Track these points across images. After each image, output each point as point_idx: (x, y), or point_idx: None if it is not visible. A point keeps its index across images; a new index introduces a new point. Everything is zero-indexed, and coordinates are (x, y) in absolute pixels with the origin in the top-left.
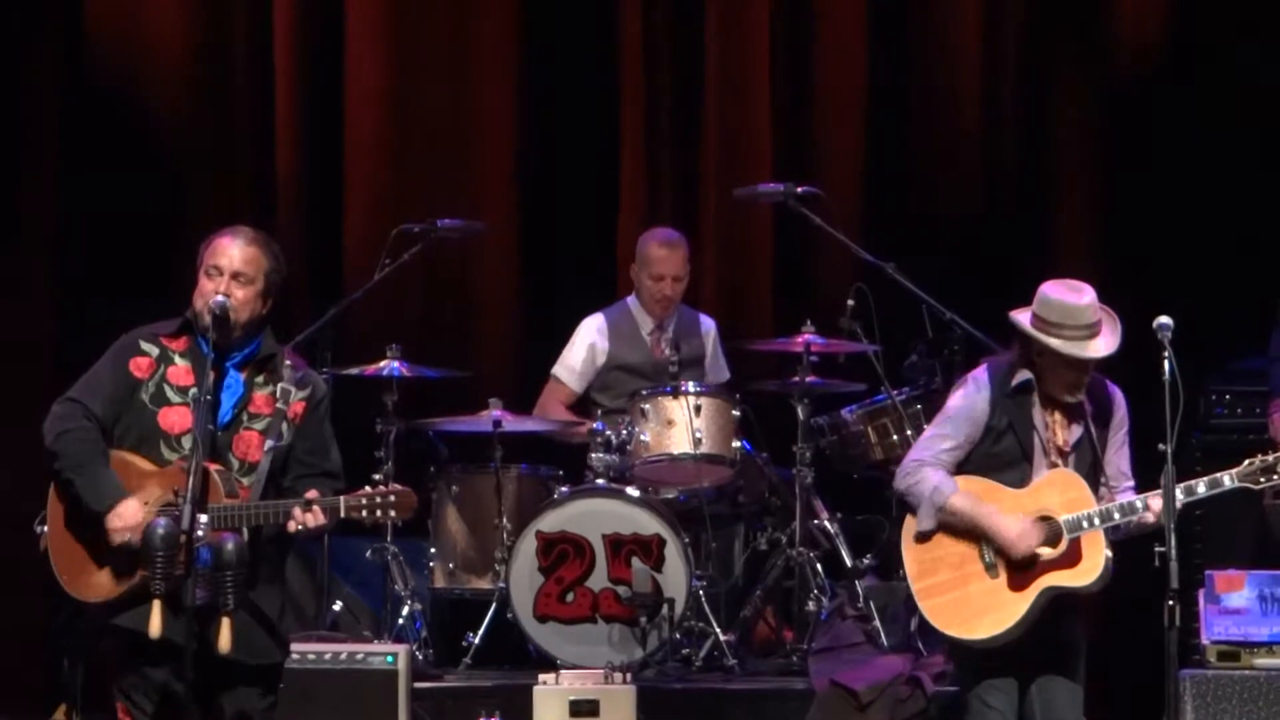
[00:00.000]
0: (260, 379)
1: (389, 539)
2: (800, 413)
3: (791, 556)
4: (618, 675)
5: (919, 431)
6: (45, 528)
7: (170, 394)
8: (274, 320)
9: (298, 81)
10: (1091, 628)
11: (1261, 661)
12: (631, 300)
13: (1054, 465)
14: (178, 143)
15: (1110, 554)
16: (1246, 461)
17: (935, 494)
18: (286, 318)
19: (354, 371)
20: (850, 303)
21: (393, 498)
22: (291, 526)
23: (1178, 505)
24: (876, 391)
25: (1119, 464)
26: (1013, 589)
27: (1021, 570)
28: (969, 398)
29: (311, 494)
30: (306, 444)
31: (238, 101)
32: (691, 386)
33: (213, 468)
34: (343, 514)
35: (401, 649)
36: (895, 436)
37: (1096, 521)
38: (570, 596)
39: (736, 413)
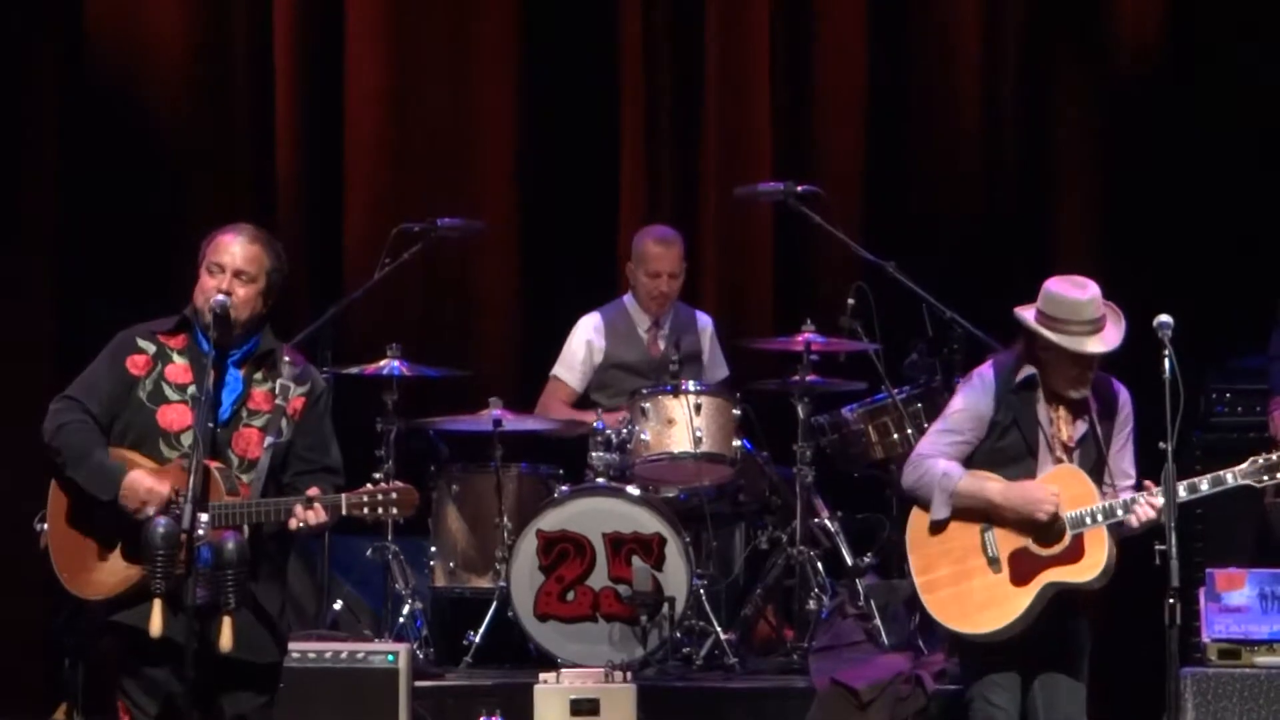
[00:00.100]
0: (259, 375)
1: (389, 538)
2: (801, 411)
3: (792, 555)
4: (618, 674)
5: (919, 430)
6: (45, 526)
7: (168, 392)
8: (274, 320)
9: (298, 81)
10: (1094, 626)
11: (1262, 659)
12: (628, 298)
13: (1059, 461)
14: (178, 143)
15: (1114, 550)
16: (1250, 459)
17: (945, 479)
18: (287, 318)
19: (354, 371)
20: (850, 301)
21: (394, 495)
22: (293, 524)
23: (1179, 501)
24: (877, 390)
25: (1122, 462)
26: (1015, 584)
27: (1024, 565)
28: (974, 393)
29: (313, 491)
30: (306, 440)
31: (238, 101)
32: (692, 385)
33: (213, 465)
34: (344, 511)
35: (402, 648)
36: (896, 435)
37: (1100, 518)
38: (571, 595)
39: (737, 411)
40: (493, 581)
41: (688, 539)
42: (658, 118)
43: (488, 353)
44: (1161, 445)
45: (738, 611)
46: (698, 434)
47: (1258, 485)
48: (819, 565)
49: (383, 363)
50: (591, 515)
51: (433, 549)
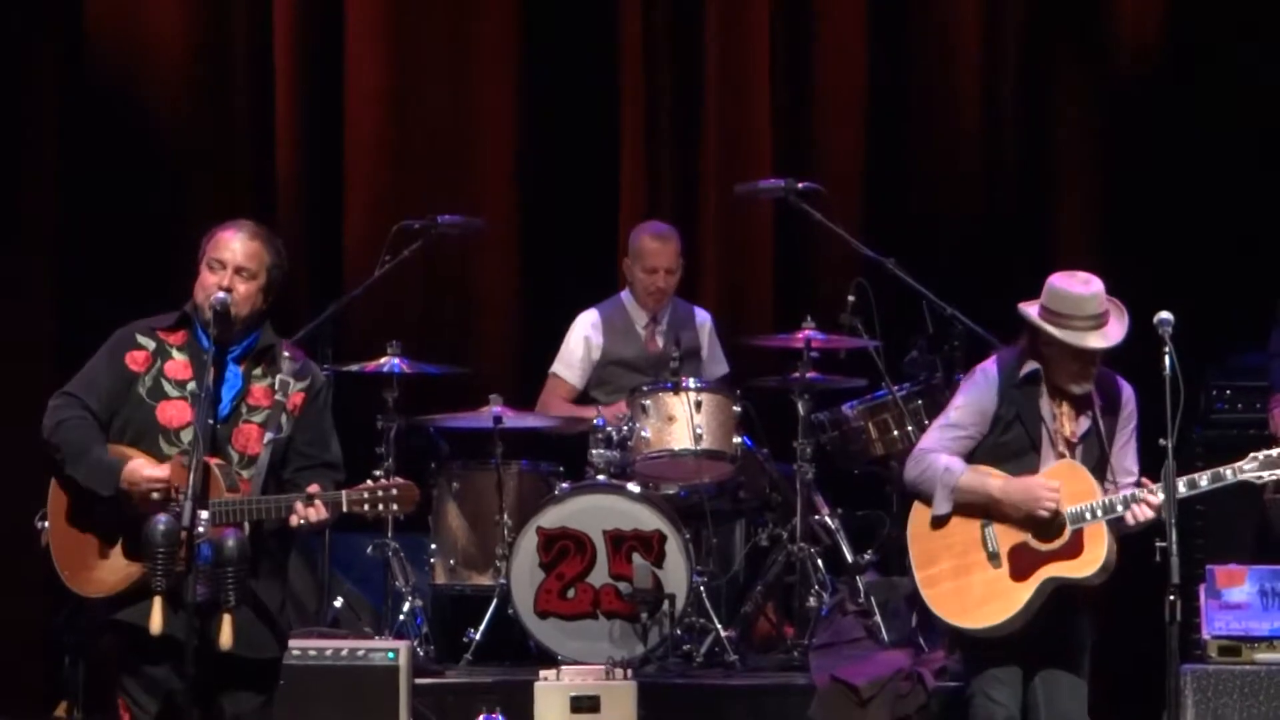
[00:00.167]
0: (259, 371)
1: (390, 535)
2: (801, 408)
3: (792, 552)
4: (618, 671)
5: (920, 427)
6: (46, 524)
7: (168, 388)
8: (275, 320)
9: (298, 81)
10: (1095, 622)
11: (1262, 656)
12: (625, 295)
13: (1061, 456)
14: (178, 143)
15: (1114, 546)
16: (1249, 456)
17: (946, 474)
18: (287, 317)
19: (354, 368)
20: (851, 298)
21: (395, 491)
22: (293, 521)
23: (1178, 497)
24: (877, 387)
25: (1124, 458)
26: (1014, 579)
27: (1024, 560)
28: (977, 388)
29: (313, 488)
30: (306, 435)
31: (238, 101)
32: (692, 382)
33: (213, 462)
34: (345, 508)
35: (402, 645)
36: (896, 432)
37: (1099, 513)
38: (571, 592)
39: (737, 408)
40: (493, 579)
41: (688, 536)
42: (658, 118)
43: (488, 350)
44: (1162, 442)
45: (738, 608)
46: (698, 431)
47: (1257, 482)
48: (819, 562)
49: (383, 360)
50: (592, 512)
51: (433, 546)
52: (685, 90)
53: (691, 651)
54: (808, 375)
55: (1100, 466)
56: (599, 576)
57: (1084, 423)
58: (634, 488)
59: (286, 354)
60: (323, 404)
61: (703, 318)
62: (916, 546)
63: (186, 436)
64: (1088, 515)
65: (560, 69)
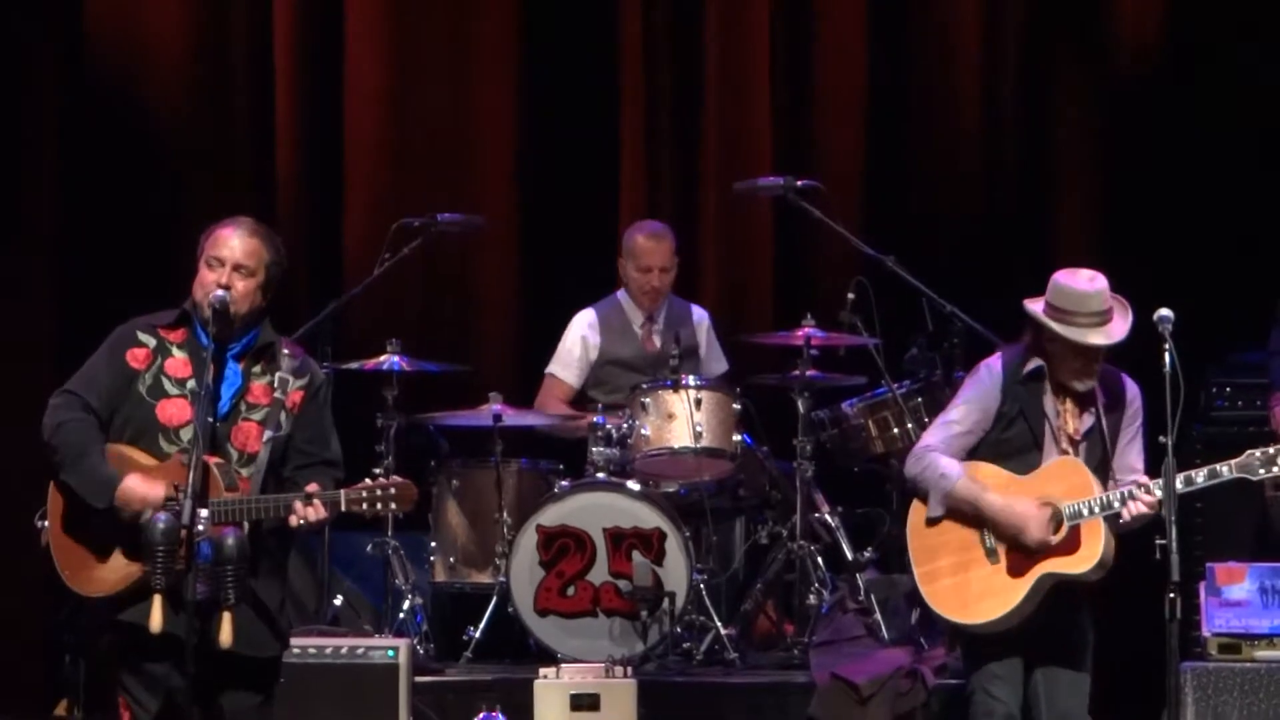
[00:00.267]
0: (258, 369)
1: (390, 533)
2: (801, 406)
3: (792, 550)
4: (618, 669)
5: (919, 425)
6: (46, 523)
7: (168, 386)
8: (274, 319)
9: (298, 81)
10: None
11: (1262, 654)
12: (621, 294)
13: (1064, 453)
14: (178, 143)
15: (1112, 543)
16: (1246, 453)
17: (942, 480)
18: (287, 317)
19: (354, 366)
20: (850, 296)
21: (393, 490)
22: (293, 521)
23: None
24: (877, 385)
25: (1129, 457)
26: (1012, 575)
27: (1021, 556)
28: (981, 385)
29: (312, 487)
30: (305, 433)
31: (238, 101)
32: (692, 380)
33: (211, 461)
34: (343, 507)
35: (402, 643)
36: (896, 430)
37: (1096, 509)
38: (571, 590)
39: (737, 406)
40: (493, 577)
41: (688, 534)
42: (658, 118)
43: (488, 348)
44: (1161, 439)
45: (738, 606)
46: (698, 429)
47: (1253, 479)
48: (819, 560)
49: (383, 358)
50: (592, 510)
51: (433, 544)
52: (685, 90)
53: (691, 649)
54: (807, 373)
55: (1103, 464)
56: (599, 574)
57: (1087, 420)
58: (634, 485)
59: (286, 352)
60: (322, 402)
61: (700, 315)
62: (916, 543)
63: (186, 435)
64: (1085, 512)
65: (560, 69)
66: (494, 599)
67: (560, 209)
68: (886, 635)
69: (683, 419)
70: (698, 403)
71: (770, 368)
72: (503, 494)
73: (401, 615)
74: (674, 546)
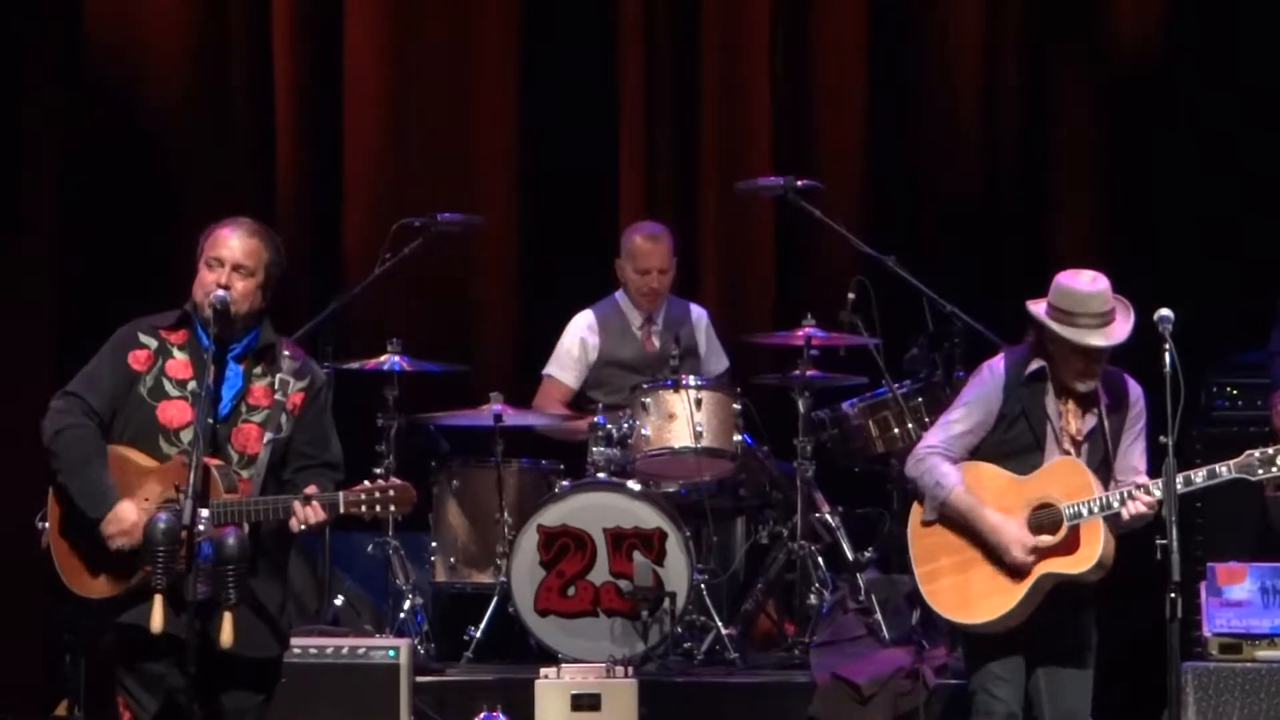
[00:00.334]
0: (259, 370)
1: (390, 533)
2: (801, 406)
3: (793, 550)
4: (619, 669)
5: (920, 425)
6: (46, 524)
7: (169, 387)
8: (275, 319)
9: (298, 81)
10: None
11: (1263, 654)
12: (619, 295)
13: (1066, 454)
14: (178, 143)
15: (1112, 543)
16: (1246, 453)
17: (937, 489)
18: (287, 317)
19: (355, 366)
20: (851, 296)
21: (391, 492)
22: (293, 524)
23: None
24: (877, 385)
25: (1131, 458)
26: (1012, 575)
27: None
28: (983, 385)
29: (310, 489)
30: (306, 435)
31: (238, 101)
32: (692, 380)
33: (212, 463)
34: (342, 509)
35: (403, 643)
36: (896, 430)
37: (1096, 509)
38: (571, 590)
39: (737, 406)
40: (493, 577)
41: (688, 534)
42: (658, 118)
43: (488, 348)
44: (1162, 439)
45: (738, 606)
46: (698, 429)
47: (1253, 479)
48: (820, 560)
49: (383, 358)
50: (592, 510)
51: (433, 544)
52: (685, 90)
53: (692, 649)
54: (808, 373)
55: (1105, 465)
56: (599, 574)
57: (1089, 420)
58: (634, 485)
59: (287, 352)
60: (323, 403)
61: (698, 314)
62: (916, 543)
63: (186, 436)
64: (1084, 512)
65: (560, 69)
66: (495, 599)
67: (560, 209)
68: (887, 635)
69: (683, 419)
70: (698, 403)
71: (770, 368)
72: (503, 494)
73: (402, 615)
74: (674, 546)
